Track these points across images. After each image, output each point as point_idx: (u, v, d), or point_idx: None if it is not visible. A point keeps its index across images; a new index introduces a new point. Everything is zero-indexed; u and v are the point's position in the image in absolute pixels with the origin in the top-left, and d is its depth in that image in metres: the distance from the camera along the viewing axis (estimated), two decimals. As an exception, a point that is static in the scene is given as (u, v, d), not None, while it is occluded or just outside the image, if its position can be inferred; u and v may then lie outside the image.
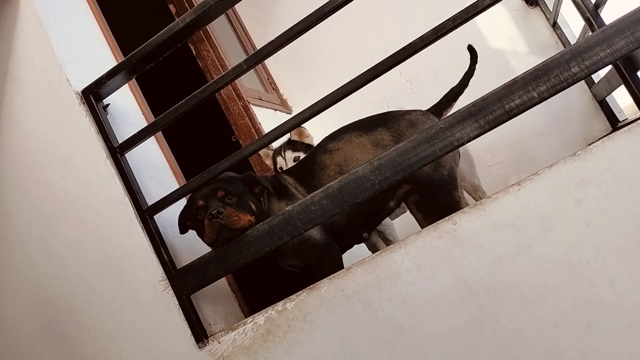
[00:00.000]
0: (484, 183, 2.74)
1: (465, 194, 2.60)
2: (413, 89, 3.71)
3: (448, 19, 1.61)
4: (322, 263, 1.90)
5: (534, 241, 1.44)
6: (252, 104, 3.13)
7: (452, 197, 1.98)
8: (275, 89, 3.97)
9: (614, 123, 3.32)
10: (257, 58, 1.81)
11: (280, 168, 2.49)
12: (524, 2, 3.55)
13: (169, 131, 2.19)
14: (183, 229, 1.97)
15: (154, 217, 1.91)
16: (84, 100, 1.97)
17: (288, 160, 2.45)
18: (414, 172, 1.56)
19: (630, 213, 1.37)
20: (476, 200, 2.35)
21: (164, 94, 3.32)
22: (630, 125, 1.39)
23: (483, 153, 3.44)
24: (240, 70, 1.79)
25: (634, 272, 1.36)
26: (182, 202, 2.13)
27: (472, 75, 2.13)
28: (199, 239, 2.05)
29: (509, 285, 1.45)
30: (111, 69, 1.93)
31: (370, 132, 2.01)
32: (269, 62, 3.92)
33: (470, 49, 2.17)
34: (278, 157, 2.50)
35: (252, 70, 3.24)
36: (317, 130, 2.60)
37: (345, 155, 1.98)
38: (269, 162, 2.60)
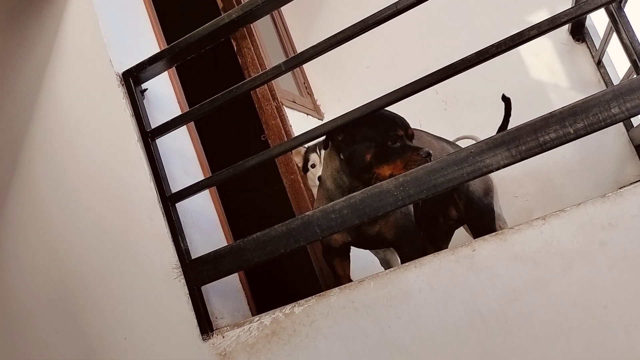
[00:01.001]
0: (507, 213, 2.70)
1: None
2: (447, 109, 3.69)
3: (492, 45, 1.59)
4: (413, 243, 1.95)
5: (552, 278, 1.41)
6: (286, 106, 3.15)
7: (493, 225, 2.16)
8: (310, 93, 3.99)
9: (648, 169, 3.25)
10: (296, 61, 1.83)
11: (312, 165, 2.55)
12: (570, 36, 3.50)
13: (201, 122, 2.22)
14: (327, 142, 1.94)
15: (176, 204, 1.93)
16: (123, 82, 2.01)
17: (323, 157, 2.49)
18: (438, 193, 1.55)
19: (655, 262, 1.34)
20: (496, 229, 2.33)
21: (200, 85, 3.36)
22: (665, 173, 1.36)
23: (511, 183, 3.40)
24: (278, 71, 1.80)
25: (652, 322, 1.33)
26: (204, 194, 2.16)
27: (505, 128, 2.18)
28: (215, 230, 2.05)
29: (522, 319, 1.43)
30: (153, 55, 1.97)
31: (437, 138, 2.16)
32: (307, 66, 3.94)
33: (505, 99, 2.21)
34: (312, 154, 2.56)
35: (289, 73, 3.27)
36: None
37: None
38: (298, 158, 2.64)
